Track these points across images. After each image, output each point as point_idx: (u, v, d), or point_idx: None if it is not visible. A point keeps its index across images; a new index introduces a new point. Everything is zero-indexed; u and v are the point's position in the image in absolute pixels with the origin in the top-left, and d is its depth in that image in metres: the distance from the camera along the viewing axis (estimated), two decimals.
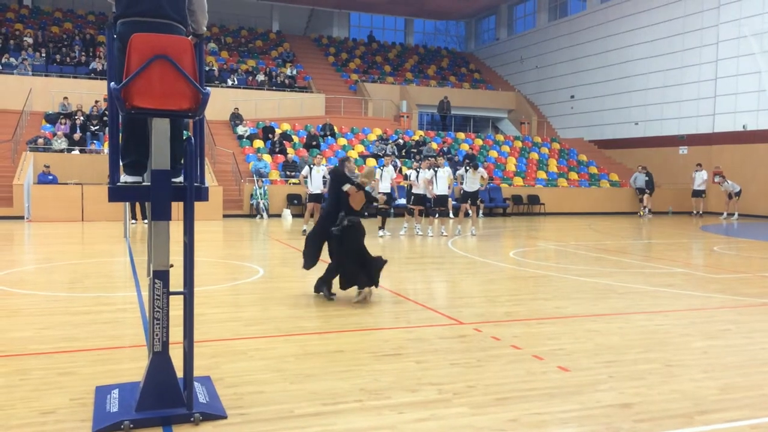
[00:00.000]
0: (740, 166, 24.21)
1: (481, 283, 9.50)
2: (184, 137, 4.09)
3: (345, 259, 7.61)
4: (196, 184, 4.05)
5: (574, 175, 27.31)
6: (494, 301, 7.91)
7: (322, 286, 7.87)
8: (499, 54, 39.21)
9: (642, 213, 24.64)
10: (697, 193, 24.55)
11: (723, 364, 5.33)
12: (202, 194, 4.14)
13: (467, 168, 16.24)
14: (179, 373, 4.10)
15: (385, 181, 16.04)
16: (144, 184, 4.11)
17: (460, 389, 4.60)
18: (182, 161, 4.20)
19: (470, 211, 16.10)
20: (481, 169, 16.07)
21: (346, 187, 7.77)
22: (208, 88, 4.03)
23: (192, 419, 3.89)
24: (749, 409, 4.28)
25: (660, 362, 5.35)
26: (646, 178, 25.16)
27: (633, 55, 29.13)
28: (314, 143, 24.94)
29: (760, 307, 7.74)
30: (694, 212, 24.67)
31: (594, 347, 5.81)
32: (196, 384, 4.24)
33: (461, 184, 16.20)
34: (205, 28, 4.34)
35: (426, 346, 5.77)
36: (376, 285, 7.73)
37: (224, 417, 3.97)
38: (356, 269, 7.58)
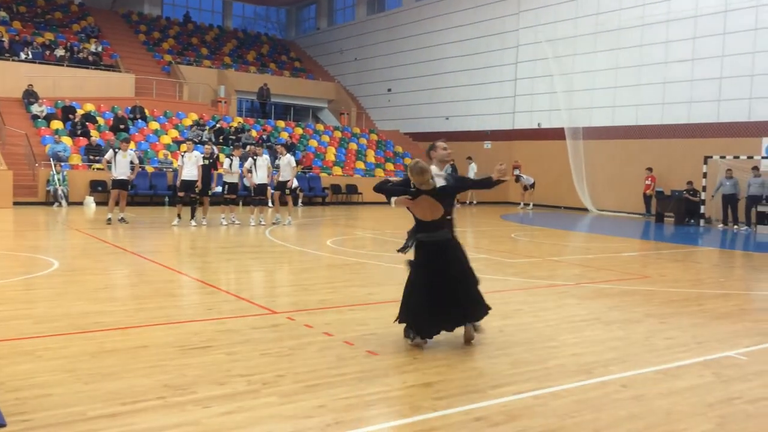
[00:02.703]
0: (536, 161, 26.61)
1: (297, 272, 9.52)
2: None
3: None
4: None
5: (390, 166, 28.29)
6: (309, 290, 7.95)
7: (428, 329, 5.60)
8: (319, 44, 39.39)
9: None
10: None
11: (515, 341, 5.81)
12: None
13: (279, 156, 15.95)
14: None
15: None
16: None
17: (270, 379, 4.55)
18: None
19: (287, 200, 15.96)
20: (288, 156, 15.80)
21: (395, 201, 5.54)
22: None
23: None
24: (534, 382, 4.71)
25: (461, 342, 5.70)
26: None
27: (444, 53, 30.74)
28: (122, 126, 23.31)
29: (548, 288, 8.57)
30: (474, 202, 27.29)
31: (401, 331, 6.04)
32: None
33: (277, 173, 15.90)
34: None
35: (237, 338, 5.64)
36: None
37: (3, 425, 3.57)
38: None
